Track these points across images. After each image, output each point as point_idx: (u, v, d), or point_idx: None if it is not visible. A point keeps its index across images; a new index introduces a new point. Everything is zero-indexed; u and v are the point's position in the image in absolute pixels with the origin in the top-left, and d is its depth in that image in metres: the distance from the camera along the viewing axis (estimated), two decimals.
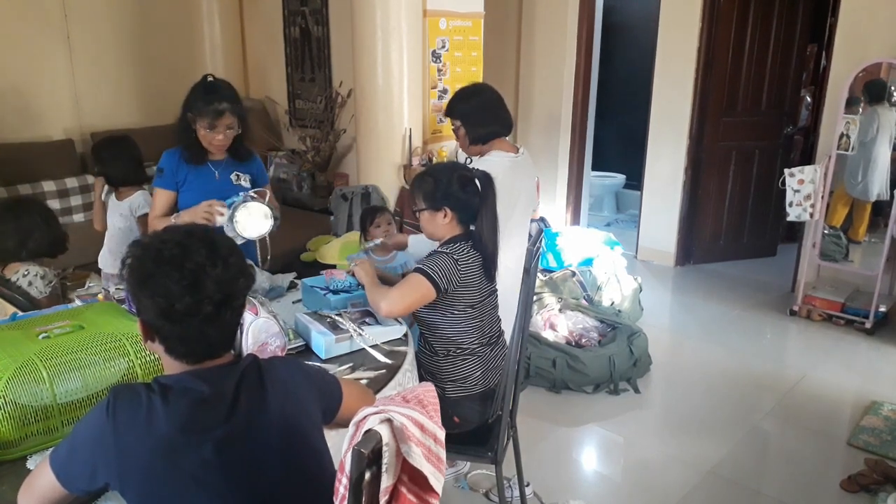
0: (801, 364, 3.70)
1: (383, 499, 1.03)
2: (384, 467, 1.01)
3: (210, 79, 2.39)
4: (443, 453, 1.08)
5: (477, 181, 2.04)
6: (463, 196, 2.03)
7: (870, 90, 3.99)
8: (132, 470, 1.11)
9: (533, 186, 2.68)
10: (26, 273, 2.30)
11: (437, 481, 1.05)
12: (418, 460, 1.02)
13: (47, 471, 1.17)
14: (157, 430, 1.11)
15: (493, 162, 2.46)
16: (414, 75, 3.91)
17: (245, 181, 2.50)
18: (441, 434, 1.08)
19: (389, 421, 1.02)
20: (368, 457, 0.99)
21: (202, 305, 1.14)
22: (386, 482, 1.02)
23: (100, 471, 1.12)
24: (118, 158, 2.85)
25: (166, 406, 1.13)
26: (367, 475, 1.00)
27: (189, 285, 1.12)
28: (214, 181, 2.45)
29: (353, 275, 2.14)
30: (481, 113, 2.54)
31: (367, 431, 1.01)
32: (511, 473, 2.43)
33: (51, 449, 1.22)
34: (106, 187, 2.94)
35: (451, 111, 2.60)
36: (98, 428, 1.13)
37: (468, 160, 2.63)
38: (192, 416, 1.13)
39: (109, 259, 2.90)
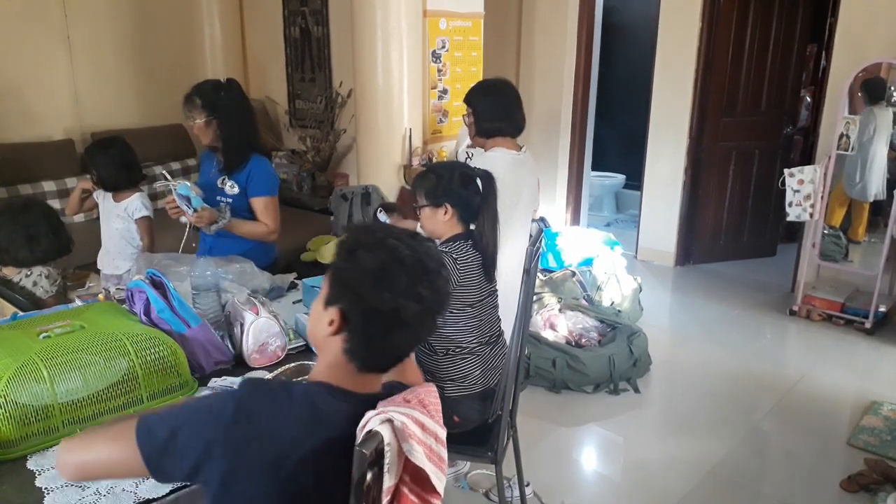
0: (801, 364, 3.70)
1: (385, 499, 1.03)
2: (386, 467, 1.01)
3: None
4: (444, 452, 1.07)
5: (478, 180, 2.05)
6: (464, 193, 2.04)
7: (868, 90, 3.99)
8: (240, 466, 1.01)
9: (535, 185, 2.68)
10: (29, 273, 2.30)
11: (438, 481, 1.05)
12: (420, 458, 1.01)
13: (128, 444, 1.04)
14: (277, 434, 1.02)
15: (494, 158, 2.47)
16: (414, 75, 3.91)
17: (230, 187, 2.53)
18: (442, 433, 1.08)
19: (390, 421, 1.02)
20: (370, 457, 0.99)
21: (424, 317, 1.08)
22: (388, 482, 1.02)
23: (204, 459, 1.01)
24: (109, 161, 2.80)
25: (295, 410, 1.05)
26: (369, 476, 1.00)
27: (420, 294, 1.06)
28: (209, 176, 2.59)
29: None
30: (494, 110, 2.55)
31: (368, 432, 1.01)
32: (511, 473, 2.43)
33: (133, 418, 1.07)
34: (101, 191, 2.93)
35: (468, 99, 2.62)
36: (218, 415, 1.03)
37: (468, 158, 2.64)
38: (313, 429, 1.04)
39: (107, 260, 2.89)
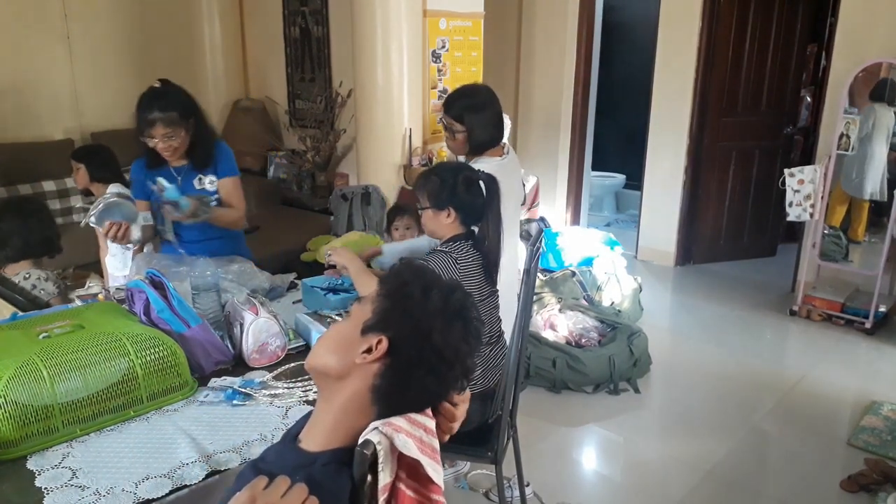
0: (801, 364, 3.70)
1: (382, 497, 1.02)
2: (380, 466, 1.01)
3: (157, 84, 2.32)
4: (436, 443, 1.06)
5: (482, 183, 2.05)
6: (467, 197, 2.04)
7: (874, 88, 4.00)
8: None
9: (519, 184, 2.68)
10: (27, 276, 2.29)
11: (434, 472, 1.03)
12: (413, 451, 1.00)
13: None
14: None
15: (481, 167, 2.45)
16: (414, 75, 3.91)
17: (210, 184, 2.43)
18: (431, 423, 1.07)
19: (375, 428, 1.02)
20: (370, 458, 0.99)
21: (462, 371, 1.09)
22: (384, 480, 1.02)
23: None
24: (109, 161, 2.93)
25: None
26: (370, 478, 1.00)
27: (472, 348, 1.08)
28: (178, 184, 2.40)
29: (332, 267, 2.15)
30: (489, 123, 2.50)
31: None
32: (511, 473, 2.43)
33: None
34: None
35: (458, 116, 2.50)
36: None
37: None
38: None
39: (117, 261, 2.96)
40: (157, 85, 2.31)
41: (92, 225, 2.25)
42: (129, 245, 2.36)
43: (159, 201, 2.28)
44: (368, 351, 1.01)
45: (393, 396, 1.03)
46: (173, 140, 2.29)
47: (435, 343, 1.02)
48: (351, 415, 1.03)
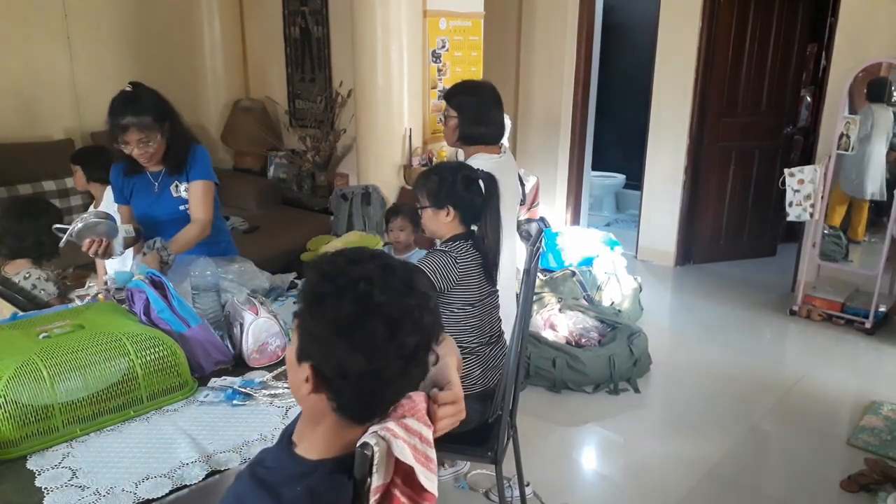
0: (801, 364, 3.70)
1: (373, 498, 1.02)
2: (374, 468, 1.01)
3: (128, 88, 2.23)
4: (431, 452, 1.06)
5: (481, 182, 2.05)
6: (467, 196, 2.05)
7: (870, 88, 4.00)
8: None
9: (515, 182, 2.69)
10: (28, 275, 2.30)
11: (427, 479, 1.02)
12: (407, 457, 1.00)
13: None
14: None
15: (477, 164, 2.46)
16: (414, 75, 3.91)
17: (185, 192, 2.36)
18: (427, 432, 1.06)
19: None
20: (370, 458, 0.99)
21: (414, 363, 0.96)
22: (376, 482, 1.02)
23: None
24: (105, 162, 2.96)
25: None
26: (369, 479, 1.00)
27: (403, 344, 0.92)
28: (153, 193, 2.37)
29: None
30: (483, 122, 2.51)
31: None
32: (511, 473, 2.43)
33: None
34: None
35: (453, 102, 2.54)
36: None
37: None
38: None
39: (111, 262, 2.96)
40: (128, 88, 2.22)
41: (72, 240, 2.15)
42: (116, 257, 2.29)
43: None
44: (307, 381, 0.95)
45: (360, 410, 0.98)
46: (149, 146, 2.22)
47: (350, 358, 0.91)
48: (337, 431, 1.00)
